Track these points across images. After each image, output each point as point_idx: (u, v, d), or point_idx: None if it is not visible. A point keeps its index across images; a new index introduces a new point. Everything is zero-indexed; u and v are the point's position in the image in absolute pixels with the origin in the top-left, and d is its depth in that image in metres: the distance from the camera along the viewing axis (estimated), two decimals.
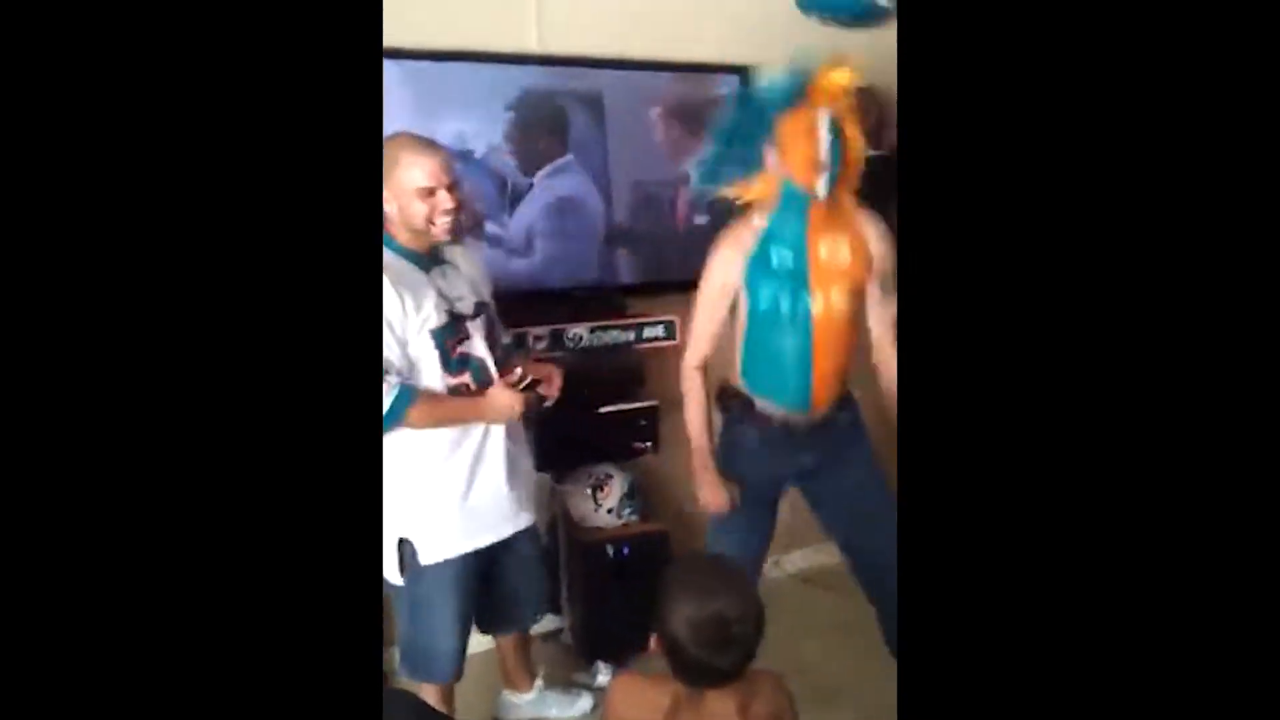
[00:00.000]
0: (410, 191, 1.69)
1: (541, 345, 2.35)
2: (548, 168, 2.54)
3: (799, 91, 1.67)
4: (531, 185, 2.52)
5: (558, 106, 2.53)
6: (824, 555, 3.22)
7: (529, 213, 2.54)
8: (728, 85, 2.77)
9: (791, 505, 2.97)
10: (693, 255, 2.94)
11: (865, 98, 3.10)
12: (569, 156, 2.56)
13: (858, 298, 1.76)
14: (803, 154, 1.64)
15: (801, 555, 3.21)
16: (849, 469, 1.88)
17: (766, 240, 1.72)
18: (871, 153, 3.02)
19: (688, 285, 2.85)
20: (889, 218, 3.10)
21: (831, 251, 1.71)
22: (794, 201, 1.69)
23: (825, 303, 1.70)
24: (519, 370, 1.86)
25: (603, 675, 2.39)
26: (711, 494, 1.80)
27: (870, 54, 3.07)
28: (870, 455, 1.91)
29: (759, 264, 1.72)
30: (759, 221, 1.74)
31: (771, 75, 1.77)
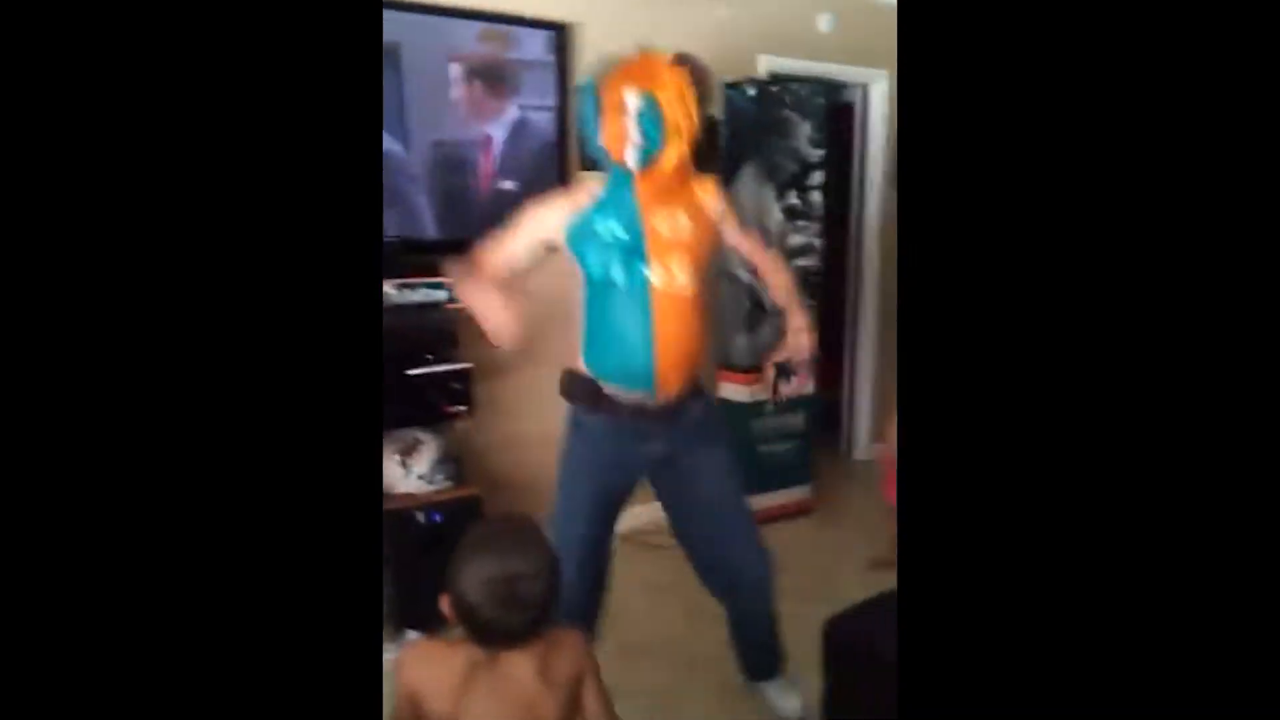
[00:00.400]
0: None
1: None
2: None
3: (606, 69, 1.65)
4: None
5: None
6: (643, 516, 3.29)
7: None
8: (535, 47, 2.71)
9: None
10: (501, 218, 2.92)
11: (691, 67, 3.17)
12: None
13: (703, 273, 1.72)
14: (613, 129, 1.62)
15: (625, 515, 3.25)
16: (700, 465, 1.83)
17: (596, 210, 1.68)
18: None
19: None
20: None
21: (670, 224, 1.67)
22: (619, 177, 1.67)
23: (666, 275, 1.65)
24: None
25: None
26: (502, 317, 1.60)
27: (688, 22, 3.14)
28: (724, 453, 1.87)
29: (584, 230, 1.67)
30: (595, 188, 1.71)
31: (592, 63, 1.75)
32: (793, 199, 3.24)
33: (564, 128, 2.81)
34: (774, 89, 3.18)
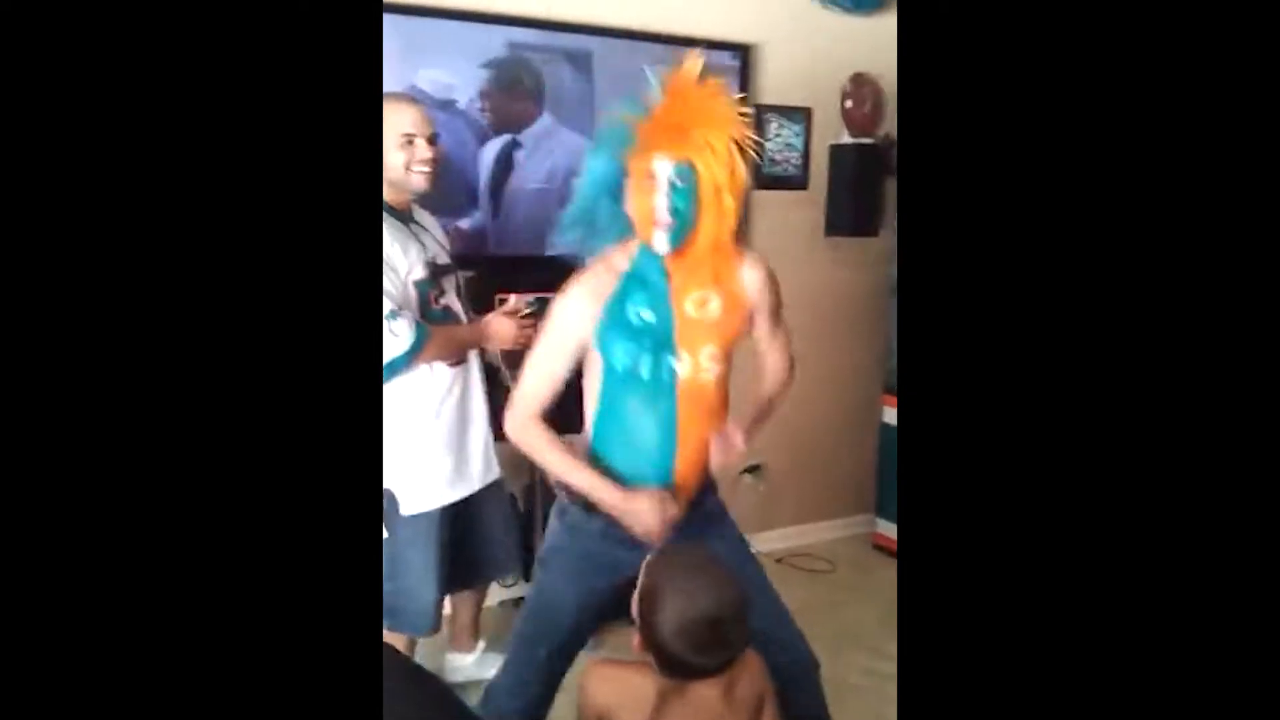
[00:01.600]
0: (389, 139, 1.75)
1: (529, 313, 2.33)
2: (534, 128, 2.52)
3: (630, 134, 1.41)
4: (514, 141, 2.51)
5: (539, 67, 2.51)
6: (799, 538, 3.28)
7: (525, 175, 2.53)
8: (721, 55, 2.73)
9: (768, 483, 3.03)
10: None
11: (861, 85, 3.13)
12: (547, 118, 2.54)
13: (729, 358, 1.52)
14: (641, 205, 1.40)
15: (779, 535, 3.24)
16: (715, 552, 1.49)
17: (624, 292, 1.46)
18: (866, 140, 3.08)
19: None
20: (880, 203, 3.18)
21: (699, 307, 1.47)
22: (649, 257, 1.45)
23: (694, 366, 1.47)
24: (513, 298, 1.94)
25: None
26: (654, 509, 1.42)
27: (870, 40, 3.10)
28: (738, 538, 1.65)
29: (615, 319, 1.45)
30: (621, 264, 1.48)
31: (611, 117, 1.47)
32: None
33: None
34: None
